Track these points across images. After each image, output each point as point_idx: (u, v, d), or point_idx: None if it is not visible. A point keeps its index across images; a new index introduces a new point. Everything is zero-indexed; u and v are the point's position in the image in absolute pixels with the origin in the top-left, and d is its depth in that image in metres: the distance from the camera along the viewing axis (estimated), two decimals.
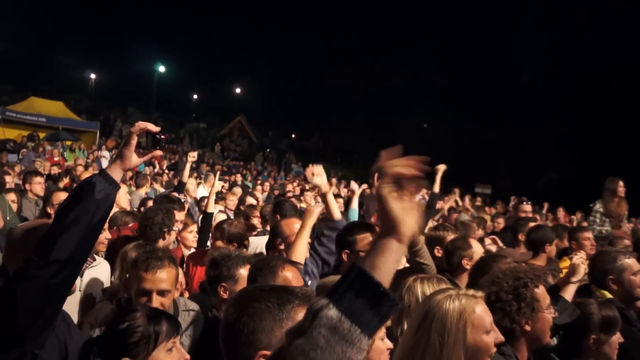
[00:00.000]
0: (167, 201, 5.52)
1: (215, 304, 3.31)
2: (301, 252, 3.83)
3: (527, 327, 2.64)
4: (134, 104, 45.71)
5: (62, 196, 5.76)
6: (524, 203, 8.68)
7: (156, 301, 2.87)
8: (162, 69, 48.60)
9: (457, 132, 44.39)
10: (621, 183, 8.07)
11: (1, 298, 2.02)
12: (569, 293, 3.58)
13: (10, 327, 1.97)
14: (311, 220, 3.91)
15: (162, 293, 2.92)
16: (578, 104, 40.08)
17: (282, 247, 4.13)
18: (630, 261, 3.79)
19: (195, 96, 57.31)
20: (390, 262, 1.31)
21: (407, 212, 1.35)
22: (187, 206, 7.65)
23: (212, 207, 6.35)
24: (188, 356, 2.30)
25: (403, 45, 53.02)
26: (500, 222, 9.49)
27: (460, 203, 12.64)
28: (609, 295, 3.71)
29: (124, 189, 6.95)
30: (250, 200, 7.85)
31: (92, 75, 50.54)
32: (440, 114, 45.57)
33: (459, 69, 48.77)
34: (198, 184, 13.55)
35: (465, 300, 2.19)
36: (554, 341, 3.23)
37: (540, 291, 2.70)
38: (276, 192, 13.53)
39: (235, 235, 4.70)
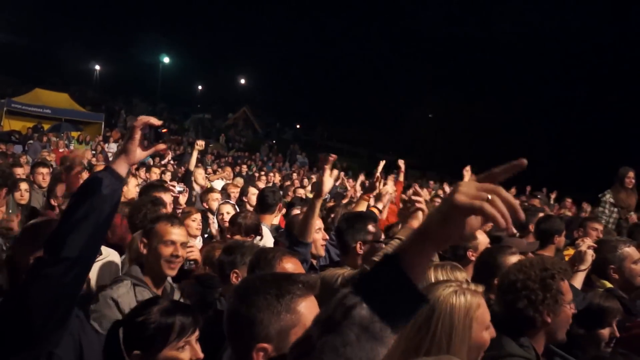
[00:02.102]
0: (152, 189, 5.55)
1: (224, 291, 3.36)
2: (309, 230, 3.87)
3: (549, 319, 2.62)
4: (139, 95, 45.72)
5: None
6: (536, 197, 8.65)
7: (181, 250, 3.34)
8: (166, 60, 48.56)
9: (462, 121, 44.16)
10: (631, 174, 8.03)
11: (14, 298, 2.02)
12: (577, 281, 3.60)
13: (24, 328, 1.96)
14: (317, 205, 3.97)
15: (183, 245, 3.39)
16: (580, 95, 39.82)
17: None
18: (630, 250, 3.82)
19: (199, 87, 57.30)
20: (426, 264, 1.27)
21: (467, 228, 1.24)
22: (194, 194, 7.67)
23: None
24: (201, 355, 2.28)
25: (409, 35, 52.76)
26: None
27: None
28: (609, 285, 3.73)
29: (133, 182, 6.98)
30: (252, 191, 7.79)
31: (97, 67, 50.52)
32: (446, 104, 45.35)
33: (466, 59, 48.47)
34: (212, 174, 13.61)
35: (471, 297, 2.17)
36: None
37: (565, 285, 2.69)
38: (287, 183, 13.56)
39: (251, 227, 4.80)
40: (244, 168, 17.54)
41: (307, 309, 1.73)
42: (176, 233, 3.36)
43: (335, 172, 4.24)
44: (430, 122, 48.76)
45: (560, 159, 36.55)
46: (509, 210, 1.15)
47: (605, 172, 8.85)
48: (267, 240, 5.25)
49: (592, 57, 40.87)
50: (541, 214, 6.02)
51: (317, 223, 4.24)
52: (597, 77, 39.20)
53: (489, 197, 1.16)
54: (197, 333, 2.30)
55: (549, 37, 44.09)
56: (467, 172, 6.73)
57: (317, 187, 4.03)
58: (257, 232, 4.85)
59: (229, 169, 13.57)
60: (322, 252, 4.48)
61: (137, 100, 43.93)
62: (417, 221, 3.35)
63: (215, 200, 6.85)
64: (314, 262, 4.51)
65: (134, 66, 50.16)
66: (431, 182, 21.00)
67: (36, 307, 1.95)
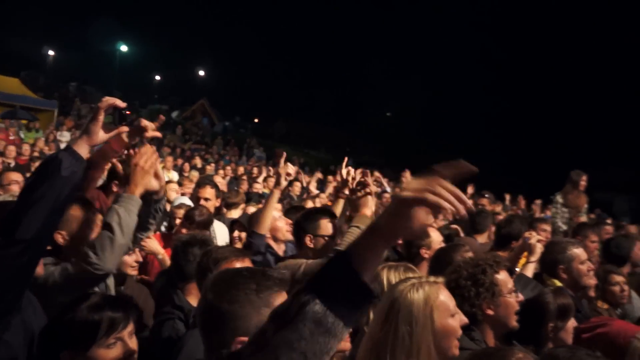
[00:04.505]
0: None
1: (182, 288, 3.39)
2: (265, 224, 3.92)
3: (490, 312, 2.74)
4: (94, 83, 44.58)
5: (12, 176, 5.62)
6: (483, 196, 8.90)
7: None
8: (124, 48, 47.50)
9: (419, 121, 44.82)
10: (584, 177, 8.43)
11: None
12: (528, 272, 3.80)
13: None
14: (275, 196, 4.02)
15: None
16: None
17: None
18: (578, 251, 3.98)
19: (157, 77, 56.28)
20: (378, 260, 1.32)
21: (417, 222, 1.29)
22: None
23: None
24: (134, 349, 2.17)
25: (370, 33, 53.10)
26: None
27: None
28: (558, 284, 3.86)
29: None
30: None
31: (50, 52, 48.99)
32: (404, 103, 45.91)
33: (426, 57, 49.10)
34: (162, 167, 13.41)
35: (429, 287, 2.27)
36: None
37: (501, 276, 2.80)
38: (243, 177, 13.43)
39: (205, 222, 4.87)
40: (198, 160, 17.17)
41: None
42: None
43: (291, 166, 4.31)
44: (388, 120, 49.29)
45: (513, 159, 37.59)
46: (455, 198, 1.23)
47: (556, 174, 9.15)
48: (221, 233, 5.41)
49: (546, 60, 42.00)
50: (501, 217, 6.19)
51: (276, 213, 4.33)
52: (548, 81, 40.33)
53: (435, 188, 1.23)
54: (130, 327, 2.17)
55: (504, 36, 45.09)
56: (407, 177, 6.91)
57: (276, 178, 4.12)
58: (207, 227, 4.92)
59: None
60: (290, 236, 4.57)
61: (92, 88, 42.79)
62: (367, 208, 3.41)
63: (173, 190, 6.80)
64: (282, 249, 4.58)
65: (90, 53, 48.86)
66: (386, 180, 21.16)
67: None
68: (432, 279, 2.35)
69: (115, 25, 47.22)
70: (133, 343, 2.17)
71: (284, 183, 4.16)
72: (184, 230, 4.75)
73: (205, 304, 1.79)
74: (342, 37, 55.21)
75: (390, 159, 38.13)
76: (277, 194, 4.11)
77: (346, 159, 5.17)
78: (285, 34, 57.82)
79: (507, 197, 15.30)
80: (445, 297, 2.29)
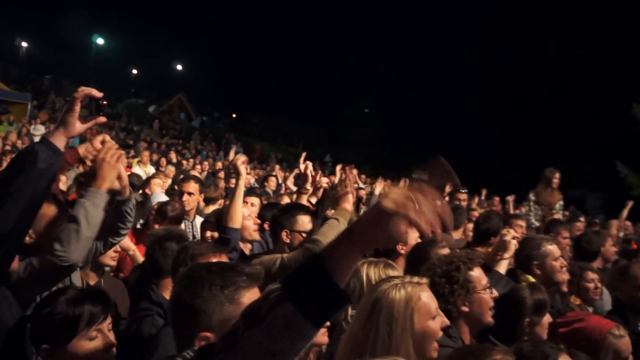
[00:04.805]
0: None
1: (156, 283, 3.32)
2: (236, 217, 3.91)
3: (464, 308, 2.78)
4: (69, 76, 43.85)
5: None
6: (460, 192, 8.97)
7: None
8: (100, 41, 46.83)
9: (398, 117, 45.01)
10: (557, 174, 8.57)
11: None
12: (501, 268, 3.85)
13: None
14: (242, 182, 4.07)
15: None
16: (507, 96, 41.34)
17: None
18: (552, 247, 4.04)
19: (134, 71, 55.63)
20: (352, 264, 1.31)
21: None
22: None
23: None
24: (114, 341, 2.20)
25: (349, 29, 53.14)
26: None
27: None
28: (532, 280, 3.92)
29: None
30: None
31: (24, 44, 48.05)
32: (382, 99, 46.10)
33: (405, 53, 49.30)
34: (138, 161, 13.26)
35: (411, 289, 2.28)
36: None
37: (476, 273, 2.85)
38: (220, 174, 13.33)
39: (177, 217, 4.88)
40: (174, 155, 16.95)
41: (250, 300, 1.74)
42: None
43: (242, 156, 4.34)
44: (366, 117, 49.43)
45: (488, 157, 38.06)
46: (437, 216, 1.21)
47: (530, 171, 9.30)
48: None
49: (520, 58, 42.47)
50: (478, 213, 6.27)
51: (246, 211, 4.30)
52: (523, 80, 40.80)
53: (416, 204, 1.21)
54: (109, 320, 2.20)
55: (483, 33, 45.47)
56: (381, 184, 6.93)
57: (234, 170, 4.13)
58: (179, 223, 4.93)
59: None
60: (257, 236, 4.56)
61: (67, 81, 42.10)
62: (348, 203, 3.43)
63: (157, 185, 6.81)
64: (249, 248, 4.56)
65: (65, 46, 48.03)
66: (363, 176, 21.22)
67: None
68: (415, 279, 2.35)
69: (91, 17, 46.68)
70: (112, 336, 2.19)
71: (244, 171, 4.15)
72: (156, 226, 4.72)
73: (173, 298, 1.81)
74: (322, 33, 55.23)
75: (368, 155, 38.29)
76: (241, 184, 4.09)
77: (304, 154, 5.21)
78: (264, 29, 57.60)
79: (484, 192, 15.45)
80: (427, 299, 2.29)
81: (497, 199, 14.62)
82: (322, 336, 2.51)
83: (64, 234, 2.56)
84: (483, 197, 14.99)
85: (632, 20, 33.01)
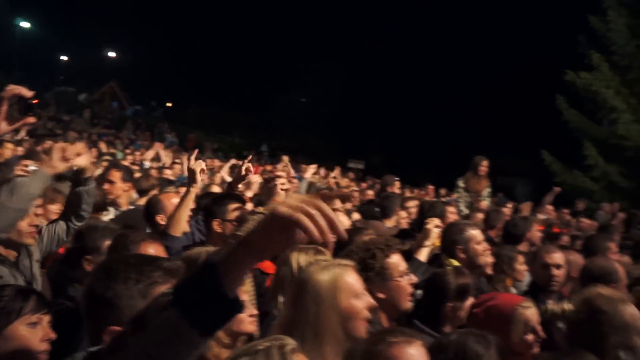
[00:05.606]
0: None
1: (78, 277, 3.21)
2: (180, 226, 3.81)
3: (381, 295, 2.83)
4: None
5: None
6: (394, 180, 9.18)
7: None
8: (25, 24, 44.64)
9: (334, 107, 45.23)
10: (484, 162, 8.88)
11: None
12: (422, 255, 3.99)
13: None
14: (192, 195, 3.91)
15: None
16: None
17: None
18: (475, 232, 4.22)
19: (63, 58, 53.33)
20: (245, 273, 1.30)
21: (285, 240, 1.28)
22: None
23: None
24: (53, 335, 2.21)
25: (286, 18, 52.84)
26: (370, 195, 9.98)
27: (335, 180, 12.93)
28: (456, 264, 4.07)
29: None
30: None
31: None
32: (318, 89, 46.18)
33: (342, 42, 49.44)
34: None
35: (336, 269, 2.33)
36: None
37: (393, 260, 2.91)
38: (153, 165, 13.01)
39: (99, 204, 4.77)
40: (103, 145, 16.26)
41: None
42: None
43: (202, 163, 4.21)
44: (303, 106, 49.47)
45: (422, 147, 39.02)
46: (329, 226, 1.21)
47: (461, 161, 9.60)
48: None
49: (444, 52, 43.47)
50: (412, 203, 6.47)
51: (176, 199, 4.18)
52: (453, 73, 41.85)
53: (311, 210, 1.20)
54: (48, 317, 2.22)
55: (408, 28, 46.21)
56: (313, 168, 7.06)
57: (189, 175, 3.98)
58: (100, 210, 4.87)
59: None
60: (187, 228, 4.46)
61: None
62: (280, 197, 3.44)
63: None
64: None
65: None
66: (303, 166, 21.30)
67: None
68: (341, 261, 2.42)
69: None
70: (51, 332, 2.22)
71: (199, 180, 4.00)
72: None
73: (85, 289, 1.77)
74: (259, 22, 54.67)
75: (305, 145, 38.40)
76: (193, 192, 3.91)
77: (250, 157, 5.16)
78: (200, 17, 56.45)
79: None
80: (351, 279, 2.34)
81: (431, 187, 14.99)
82: (249, 325, 2.52)
83: None
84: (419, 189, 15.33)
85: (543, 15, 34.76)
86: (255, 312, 2.62)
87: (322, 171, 13.26)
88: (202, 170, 4.11)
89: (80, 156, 3.02)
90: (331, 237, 1.22)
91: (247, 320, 2.50)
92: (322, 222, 1.20)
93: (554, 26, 31.29)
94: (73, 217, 3.33)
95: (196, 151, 4.29)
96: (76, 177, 3.16)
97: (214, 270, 1.24)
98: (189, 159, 4.14)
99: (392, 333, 2.20)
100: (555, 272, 4.21)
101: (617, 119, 20.15)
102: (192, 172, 3.98)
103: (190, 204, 3.90)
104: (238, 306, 1.28)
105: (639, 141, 19.80)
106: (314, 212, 1.20)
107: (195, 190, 3.95)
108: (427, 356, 2.17)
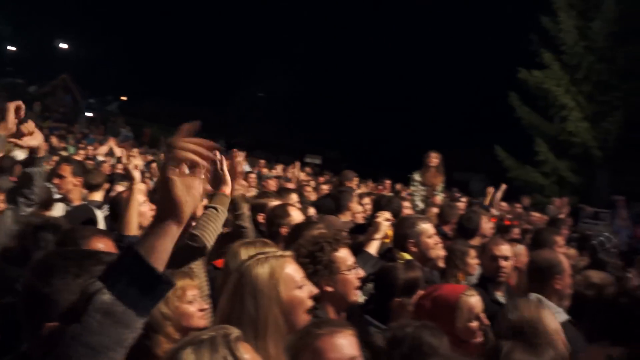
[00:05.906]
0: None
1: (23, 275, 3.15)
2: (132, 225, 3.77)
3: (328, 289, 2.83)
4: None
5: None
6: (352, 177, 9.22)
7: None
8: None
9: (290, 102, 45.18)
10: (434, 155, 9.00)
11: None
12: (372, 248, 4.01)
13: None
14: (136, 192, 3.88)
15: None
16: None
17: None
18: (426, 226, 4.28)
19: (11, 48, 51.52)
20: (169, 243, 1.32)
21: (189, 191, 1.34)
22: None
23: None
24: None
25: (243, 12, 52.42)
26: (326, 190, 10.01)
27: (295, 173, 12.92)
28: (408, 257, 4.13)
29: None
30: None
31: None
32: (275, 84, 46.00)
33: (299, 37, 49.35)
34: (15, 146, 12.32)
35: (274, 261, 2.30)
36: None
37: (341, 254, 2.91)
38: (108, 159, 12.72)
39: (44, 201, 4.60)
40: (55, 140, 15.77)
41: None
42: None
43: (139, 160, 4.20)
44: (260, 101, 49.23)
45: (377, 142, 39.43)
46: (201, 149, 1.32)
47: (417, 156, 9.71)
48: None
49: (399, 45, 43.94)
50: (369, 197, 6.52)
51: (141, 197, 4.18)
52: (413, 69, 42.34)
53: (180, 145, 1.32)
54: None
55: (362, 23, 46.54)
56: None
57: (126, 173, 3.98)
58: (46, 207, 4.74)
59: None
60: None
61: None
62: (227, 186, 3.40)
63: None
64: None
65: None
66: (262, 161, 21.18)
67: None
68: (278, 252, 2.38)
69: None
70: None
71: (137, 176, 3.98)
72: None
73: (23, 284, 1.69)
74: (216, 15, 54.11)
75: (262, 140, 38.24)
76: (136, 190, 3.90)
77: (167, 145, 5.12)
78: (155, 11, 55.38)
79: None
80: (291, 270, 2.32)
81: (388, 182, 15.14)
82: (199, 320, 2.50)
83: None
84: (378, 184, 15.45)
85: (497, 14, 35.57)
86: (205, 306, 2.60)
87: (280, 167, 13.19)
88: (136, 166, 4.11)
89: (32, 135, 2.97)
90: (209, 158, 1.34)
91: (197, 315, 2.49)
92: (196, 147, 1.32)
93: (508, 25, 31.92)
94: (22, 200, 3.22)
95: (134, 150, 4.29)
96: (28, 158, 3.12)
97: (136, 249, 1.27)
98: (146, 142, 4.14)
99: (318, 325, 2.20)
100: (503, 263, 4.30)
101: (567, 116, 20.77)
102: (127, 170, 4.03)
103: (137, 201, 3.87)
104: (169, 280, 1.29)
105: (587, 138, 20.47)
106: (183, 144, 1.32)
107: (137, 187, 3.92)
108: (358, 345, 2.18)
